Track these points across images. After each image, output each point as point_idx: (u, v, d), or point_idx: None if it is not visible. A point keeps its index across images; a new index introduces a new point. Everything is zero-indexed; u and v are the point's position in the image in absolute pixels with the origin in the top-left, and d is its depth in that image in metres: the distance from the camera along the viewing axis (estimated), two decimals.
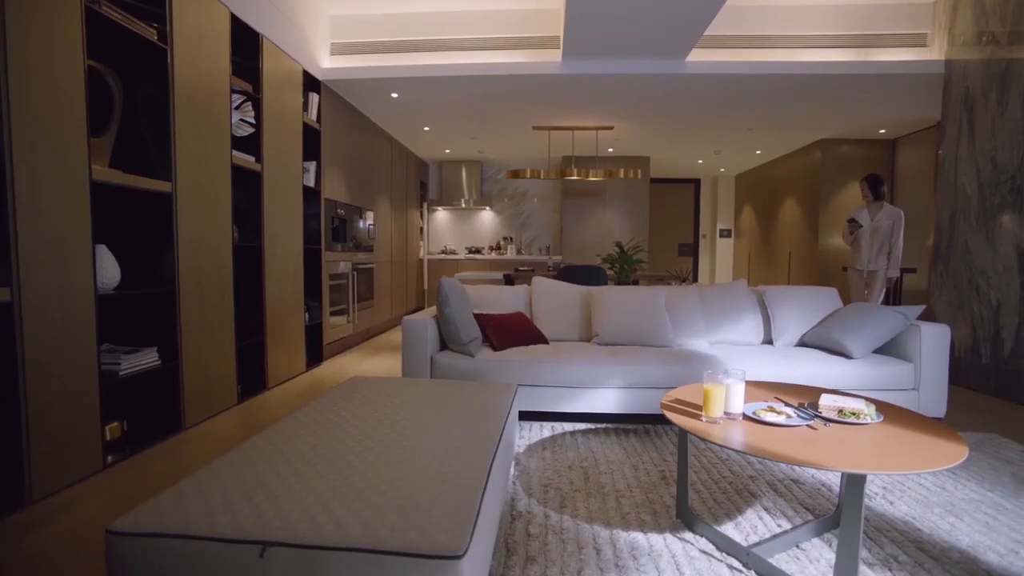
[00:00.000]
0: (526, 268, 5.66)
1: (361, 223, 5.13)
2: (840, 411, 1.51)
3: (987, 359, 3.44)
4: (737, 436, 1.39)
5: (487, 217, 7.95)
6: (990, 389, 3.42)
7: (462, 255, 7.54)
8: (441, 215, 7.99)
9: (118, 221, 2.45)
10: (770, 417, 1.49)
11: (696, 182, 9.06)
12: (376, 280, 5.59)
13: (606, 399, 2.63)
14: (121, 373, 2.25)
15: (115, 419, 2.37)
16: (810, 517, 1.82)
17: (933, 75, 3.92)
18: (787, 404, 1.61)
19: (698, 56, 4.02)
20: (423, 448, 1.42)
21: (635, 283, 4.79)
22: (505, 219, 7.94)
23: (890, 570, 1.54)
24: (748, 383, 1.95)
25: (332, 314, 4.47)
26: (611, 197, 7.39)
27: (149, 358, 2.42)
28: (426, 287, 7.30)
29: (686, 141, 6.45)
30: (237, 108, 3.12)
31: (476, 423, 1.66)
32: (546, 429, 2.71)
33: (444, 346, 2.84)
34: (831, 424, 1.47)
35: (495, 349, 2.81)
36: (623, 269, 3.84)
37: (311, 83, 4.06)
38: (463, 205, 7.68)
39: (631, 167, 7.25)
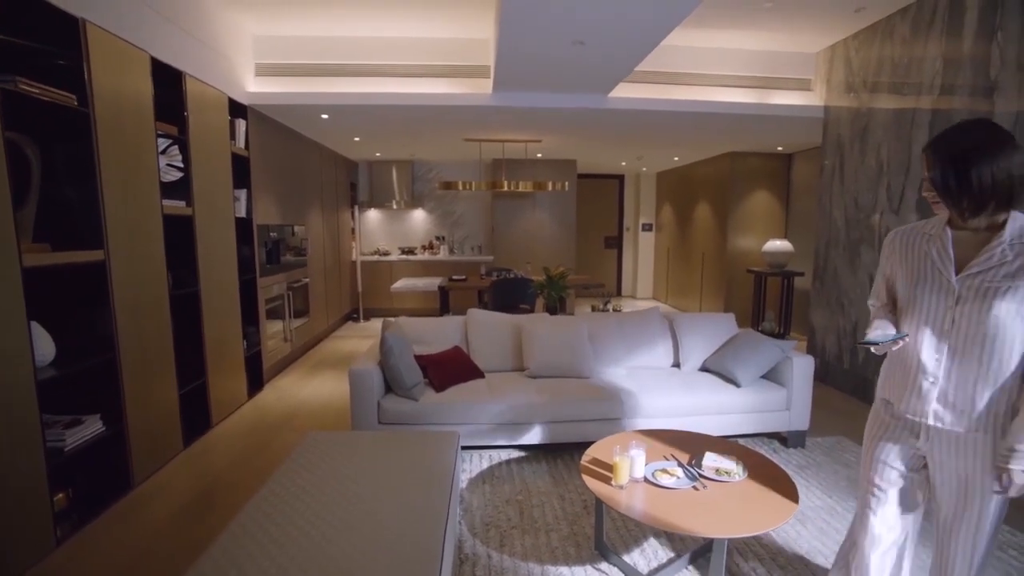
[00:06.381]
0: (460, 277, 5.88)
1: (294, 239, 5.10)
2: (717, 470, 1.93)
3: (847, 365, 4.16)
4: (637, 503, 1.77)
5: (419, 216, 8.02)
6: (849, 390, 4.14)
7: (395, 256, 7.60)
8: (373, 215, 7.96)
9: (48, 290, 2.42)
10: (664, 480, 1.88)
11: (620, 178, 9.57)
12: (311, 292, 5.60)
13: (537, 432, 2.98)
14: (67, 449, 2.29)
15: (59, 489, 2.39)
16: (701, 540, 2.27)
17: (816, 118, 4.49)
18: (679, 463, 2.01)
19: (619, 91, 4.33)
20: (384, 522, 1.66)
21: (563, 298, 5.15)
22: (437, 218, 8.04)
23: None
24: (652, 433, 2.36)
25: (270, 337, 4.49)
26: (540, 198, 7.71)
27: (94, 427, 2.45)
28: (360, 289, 7.33)
29: (609, 149, 6.84)
30: (163, 153, 3.06)
31: (428, 486, 1.92)
32: (485, 459, 3.03)
33: (389, 388, 3.05)
34: (709, 484, 1.88)
35: (436, 390, 3.06)
36: (551, 295, 4.18)
37: (237, 109, 3.97)
38: (394, 206, 7.69)
39: (559, 170, 7.59)
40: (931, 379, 1.39)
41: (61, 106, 2.30)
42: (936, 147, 1.32)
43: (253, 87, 4.19)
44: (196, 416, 3.35)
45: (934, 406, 1.39)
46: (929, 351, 1.39)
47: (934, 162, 1.32)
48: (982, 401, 1.32)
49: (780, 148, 6.35)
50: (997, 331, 1.28)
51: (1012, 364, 1.29)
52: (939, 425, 1.39)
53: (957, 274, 1.35)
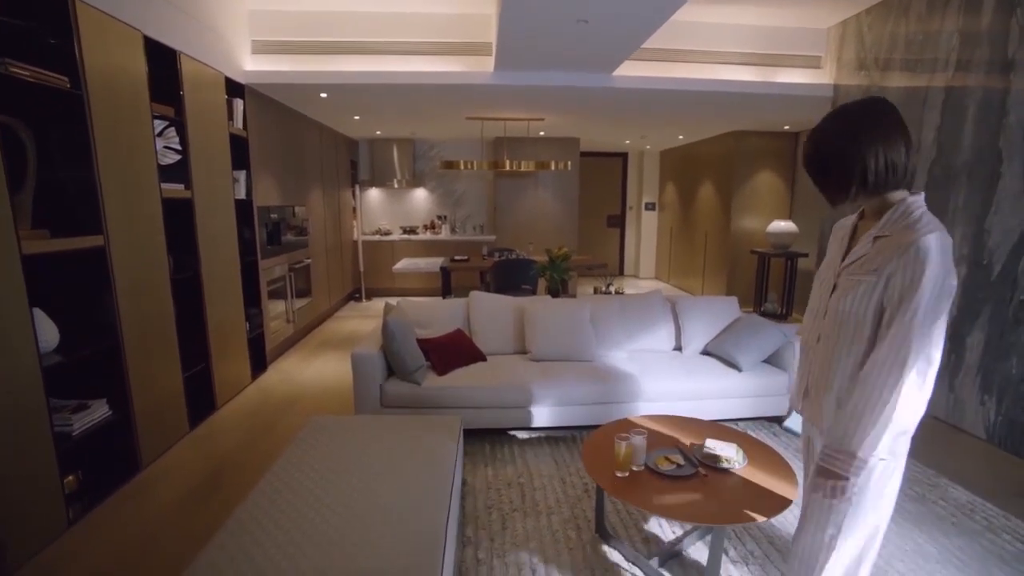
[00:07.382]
0: (462, 257, 5.86)
1: (295, 219, 5.07)
2: (717, 457, 1.94)
3: None
4: (638, 491, 1.78)
5: (420, 195, 7.95)
6: None
7: (397, 235, 7.56)
8: (374, 194, 7.90)
9: (49, 277, 2.41)
10: (665, 467, 1.90)
11: (624, 156, 9.44)
12: (313, 273, 5.59)
13: (539, 415, 3.00)
14: (75, 434, 2.31)
15: (69, 471, 2.42)
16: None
17: (825, 97, 4.39)
18: (680, 450, 2.03)
19: (623, 69, 4.23)
20: (388, 507, 1.69)
21: (565, 280, 5.14)
22: (438, 197, 7.97)
23: (747, 564, 2.04)
24: (653, 419, 2.37)
25: (272, 318, 4.50)
26: (543, 177, 7.62)
27: (100, 411, 2.48)
28: (362, 269, 7.31)
29: (613, 128, 6.72)
30: (160, 135, 3.01)
31: (431, 470, 1.94)
32: (487, 442, 3.06)
33: (391, 372, 3.07)
34: (709, 471, 1.90)
35: (439, 374, 3.07)
36: (553, 278, 4.16)
37: (234, 88, 3.90)
38: (396, 185, 7.62)
39: (561, 149, 7.48)
40: (802, 369, 1.42)
41: (54, 88, 2.25)
42: (809, 136, 1.30)
43: (250, 65, 4.10)
44: (201, 398, 3.38)
45: (802, 395, 1.40)
46: (805, 340, 1.42)
47: (805, 152, 1.30)
48: (833, 394, 1.29)
49: (786, 127, 6.23)
50: (844, 324, 1.27)
51: (857, 361, 1.25)
52: (809, 416, 1.38)
53: (839, 260, 1.35)
